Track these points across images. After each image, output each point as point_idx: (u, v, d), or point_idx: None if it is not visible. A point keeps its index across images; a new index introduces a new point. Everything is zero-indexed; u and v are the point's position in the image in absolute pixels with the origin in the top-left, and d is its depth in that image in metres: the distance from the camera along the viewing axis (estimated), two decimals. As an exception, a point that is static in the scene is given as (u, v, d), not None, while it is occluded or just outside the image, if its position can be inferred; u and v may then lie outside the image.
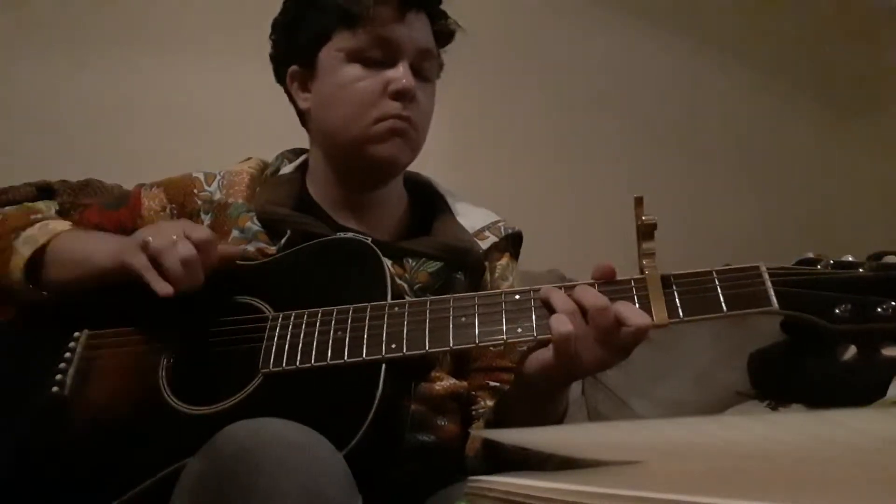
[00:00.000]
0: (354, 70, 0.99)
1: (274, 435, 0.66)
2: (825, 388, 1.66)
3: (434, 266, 1.01)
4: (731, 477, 0.38)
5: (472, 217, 1.10)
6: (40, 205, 1.10)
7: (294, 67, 1.05)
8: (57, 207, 1.09)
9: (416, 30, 1.00)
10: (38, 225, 0.97)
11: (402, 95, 0.98)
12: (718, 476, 0.38)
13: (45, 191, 1.53)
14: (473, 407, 1.03)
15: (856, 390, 1.57)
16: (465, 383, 1.02)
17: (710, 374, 1.89)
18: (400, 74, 0.98)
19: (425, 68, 1.02)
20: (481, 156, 2.22)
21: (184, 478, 0.70)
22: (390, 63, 0.99)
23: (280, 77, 1.08)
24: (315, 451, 0.67)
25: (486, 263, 1.08)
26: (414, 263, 1.00)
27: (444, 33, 1.06)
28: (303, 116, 1.08)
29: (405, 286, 0.98)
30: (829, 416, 0.40)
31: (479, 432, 0.99)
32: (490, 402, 1.02)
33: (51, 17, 1.86)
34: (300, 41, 1.04)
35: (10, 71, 1.81)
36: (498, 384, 1.03)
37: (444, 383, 0.99)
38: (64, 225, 0.97)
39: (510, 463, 0.86)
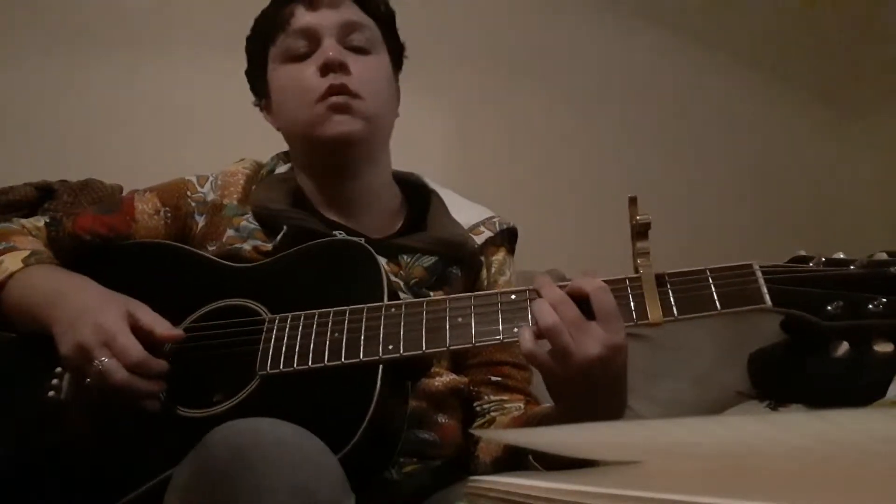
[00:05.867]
0: (288, 69, 1.04)
1: (265, 434, 0.67)
2: (825, 388, 1.66)
3: (429, 261, 1.01)
4: (731, 477, 0.38)
5: (466, 213, 1.10)
6: (24, 222, 1.06)
7: (263, 101, 1.11)
8: (47, 220, 1.07)
9: (332, 8, 1.04)
10: None
11: (328, 67, 1.00)
12: (718, 476, 0.38)
13: (45, 191, 1.52)
14: (477, 403, 1.03)
15: (856, 390, 1.57)
16: (465, 379, 1.02)
17: (710, 374, 1.89)
18: (323, 50, 1.01)
19: (356, 40, 1.04)
20: (480, 155, 2.21)
21: (175, 478, 0.71)
22: (317, 48, 1.03)
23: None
24: (306, 450, 0.67)
25: (483, 259, 1.08)
26: (409, 259, 1.01)
27: (372, 3, 1.08)
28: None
29: (401, 283, 0.98)
30: (829, 416, 0.40)
31: (481, 432, 0.99)
32: (494, 398, 1.03)
33: (51, 18, 1.86)
34: (255, 77, 1.11)
35: (10, 71, 1.81)
36: (500, 378, 1.03)
37: (444, 379, 0.99)
38: (16, 262, 0.94)
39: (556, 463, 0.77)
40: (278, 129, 1.10)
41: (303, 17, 1.03)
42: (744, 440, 0.43)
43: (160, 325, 0.86)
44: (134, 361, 0.82)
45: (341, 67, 1.00)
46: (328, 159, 1.04)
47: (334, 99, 0.99)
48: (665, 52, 2.45)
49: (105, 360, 0.81)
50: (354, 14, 1.05)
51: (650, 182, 2.31)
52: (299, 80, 1.02)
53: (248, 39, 1.12)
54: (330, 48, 1.01)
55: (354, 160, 1.04)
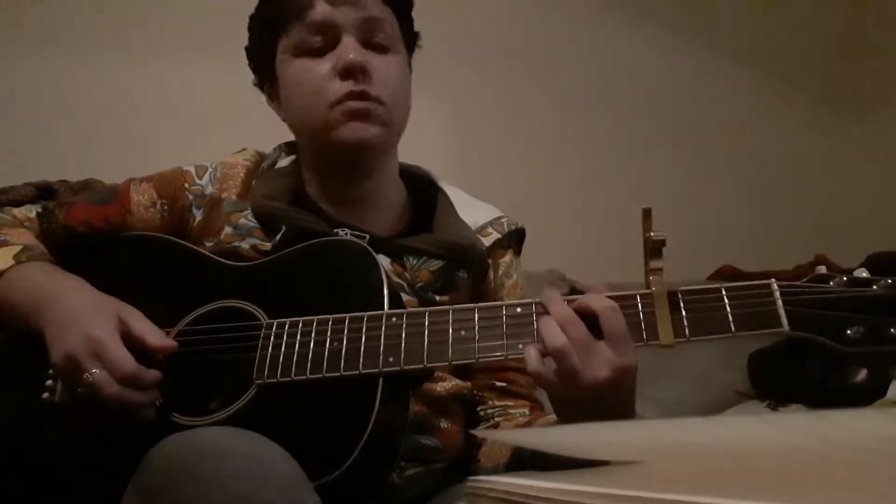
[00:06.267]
0: (302, 63, 0.98)
1: (206, 445, 0.65)
2: (825, 389, 1.66)
3: (436, 265, 0.98)
4: (731, 477, 0.38)
5: (474, 212, 1.07)
6: (16, 212, 1.04)
7: (266, 86, 1.06)
8: (39, 210, 1.04)
9: (353, 4, 0.97)
10: None
11: (349, 72, 0.94)
12: (718, 476, 0.38)
13: (45, 191, 1.53)
14: (481, 408, 1.01)
15: (856, 391, 1.57)
16: (468, 384, 1.00)
17: (710, 374, 1.89)
18: (343, 50, 0.95)
19: (377, 38, 0.98)
20: (480, 155, 2.22)
21: (127, 491, 0.70)
22: (334, 44, 0.96)
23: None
24: (256, 457, 0.65)
25: (490, 261, 1.06)
26: (415, 261, 0.98)
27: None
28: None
29: (404, 284, 0.96)
30: (829, 416, 0.40)
31: (482, 433, 0.98)
32: (498, 403, 1.01)
33: (51, 17, 1.86)
34: (260, 60, 1.05)
35: (10, 71, 1.81)
36: (504, 383, 1.01)
37: (447, 384, 0.97)
38: (6, 259, 0.92)
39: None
40: (284, 121, 1.05)
41: (322, 10, 0.96)
42: (744, 440, 0.43)
43: (152, 335, 0.84)
44: (124, 374, 0.79)
45: (362, 72, 0.95)
46: (340, 162, 1.01)
47: (352, 104, 0.94)
48: (665, 52, 2.46)
49: (95, 371, 0.79)
50: (376, 9, 0.98)
51: (648, 182, 2.32)
52: (314, 79, 0.96)
53: (254, 18, 1.04)
54: (350, 49, 0.94)
55: (367, 163, 1.01)
